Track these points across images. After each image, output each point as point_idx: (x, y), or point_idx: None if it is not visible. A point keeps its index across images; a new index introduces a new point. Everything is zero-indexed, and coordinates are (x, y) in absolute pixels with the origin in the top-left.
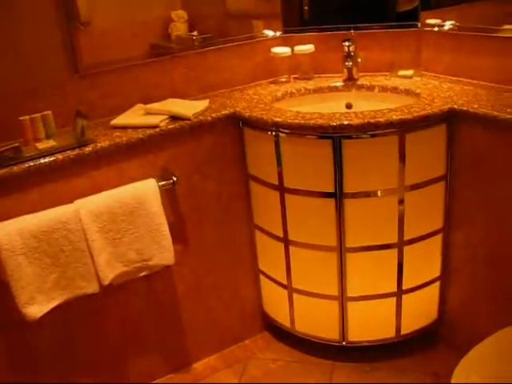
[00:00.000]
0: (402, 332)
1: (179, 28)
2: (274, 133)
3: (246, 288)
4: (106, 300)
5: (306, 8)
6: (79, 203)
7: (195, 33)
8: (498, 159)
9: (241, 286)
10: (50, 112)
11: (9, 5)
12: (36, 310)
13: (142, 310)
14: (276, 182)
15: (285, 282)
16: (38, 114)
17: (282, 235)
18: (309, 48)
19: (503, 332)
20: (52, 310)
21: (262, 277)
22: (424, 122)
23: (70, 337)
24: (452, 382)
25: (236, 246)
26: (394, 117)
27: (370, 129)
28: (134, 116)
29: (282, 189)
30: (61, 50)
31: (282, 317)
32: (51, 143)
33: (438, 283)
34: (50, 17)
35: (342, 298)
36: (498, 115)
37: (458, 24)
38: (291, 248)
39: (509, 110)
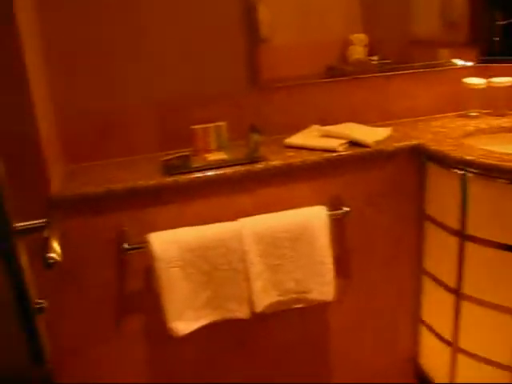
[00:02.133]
0: None
1: (358, 51)
2: (461, 172)
3: (403, 335)
4: (255, 326)
5: (497, 39)
6: (243, 222)
7: (375, 57)
8: None
9: (399, 331)
10: (224, 123)
11: (196, 15)
12: (183, 326)
13: (290, 341)
14: (456, 227)
15: (450, 338)
16: (212, 125)
17: (454, 286)
18: (506, 80)
19: None
20: (199, 328)
21: (422, 327)
22: None
23: (213, 358)
24: None
25: (400, 289)
26: None
27: None
28: (309, 137)
29: (462, 235)
30: (242, 63)
31: (439, 375)
32: (222, 156)
33: None
34: (234, 29)
35: None
36: None
37: None
38: (463, 302)
39: None
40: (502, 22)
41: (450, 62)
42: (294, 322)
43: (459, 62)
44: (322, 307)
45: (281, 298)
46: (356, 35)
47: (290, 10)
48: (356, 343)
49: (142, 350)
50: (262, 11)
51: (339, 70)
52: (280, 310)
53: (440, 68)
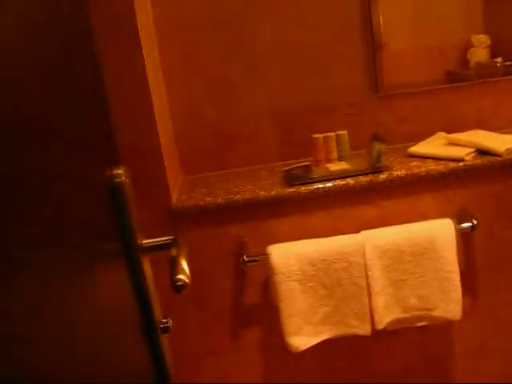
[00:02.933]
0: None
1: (480, 54)
2: None
3: None
4: (374, 342)
5: None
6: (365, 235)
7: (498, 59)
8: None
9: None
10: (345, 132)
11: (315, 23)
12: (301, 341)
13: (410, 360)
14: None
15: None
16: (333, 133)
17: None
18: None
19: None
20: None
21: None
22: None
23: (331, 373)
24: None
25: None
26: None
27: None
28: (434, 145)
29: None
30: (361, 70)
31: None
32: (343, 165)
33: None
34: (353, 36)
35: None
36: None
37: None
38: None
39: None
40: None
41: None
42: (415, 341)
43: None
44: (444, 327)
45: (403, 315)
46: (477, 36)
47: (407, 14)
48: (481, 367)
49: (259, 363)
50: (379, 16)
51: (460, 75)
52: (400, 328)
53: None
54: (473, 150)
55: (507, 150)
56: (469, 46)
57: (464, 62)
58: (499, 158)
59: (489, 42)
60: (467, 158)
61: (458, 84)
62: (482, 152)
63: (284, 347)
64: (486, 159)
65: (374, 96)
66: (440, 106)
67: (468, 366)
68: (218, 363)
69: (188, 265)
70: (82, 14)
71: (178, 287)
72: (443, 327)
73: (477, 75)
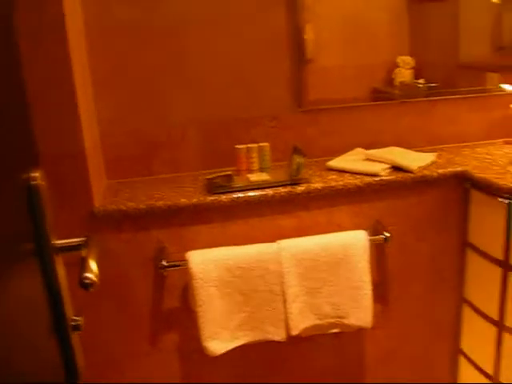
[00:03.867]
0: None
1: (404, 74)
2: (507, 201)
3: (441, 366)
4: (290, 349)
5: None
6: (282, 244)
7: (421, 80)
8: None
9: (437, 362)
10: (267, 144)
11: (242, 36)
12: (218, 346)
13: (324, 366)
14: (500, 257)
15: (490, 371)
16: (255, 145)
17: (496, 318)
18: None
19: None
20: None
21: (461, 358)
22: None
23: (247, 379)
24: None
25: (439, 318)
26: None
27: None
28: (352, 160)
29: (506, 266)
30: (287, 84)
31: None
32: (264, 176)
33: None
34: (280, 50)
35: None
36: None
37: None
38: (505, 335)
39: None
40: None
41: (499, 87)
42: (329, 347)
43: (508, 88)
44: (358, 333)
45: (317, 322)
46: (402, 57)
47: (337, 32)
48: (392, 373)
49: (177, 367)
50: (308, 32)
51: (385, 93)
52: (316, 335)
53: (488, 93)
54: (388, 166)
55: (419, 167)
56: (395, 66)
57: (389, 81)
58: (412, 175)
59: (413, 64)
60: (382, 173)
61: (379, 102)
62: (396, 168)
63: (202, 352)
64: (400, 175)
65: (297, 110)
66: (362, 122)
67: (380, 372)
68: (138, 367)
69: (97, 265)
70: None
71: (85, 285)
72: (356, 334)
73: (400, 94)
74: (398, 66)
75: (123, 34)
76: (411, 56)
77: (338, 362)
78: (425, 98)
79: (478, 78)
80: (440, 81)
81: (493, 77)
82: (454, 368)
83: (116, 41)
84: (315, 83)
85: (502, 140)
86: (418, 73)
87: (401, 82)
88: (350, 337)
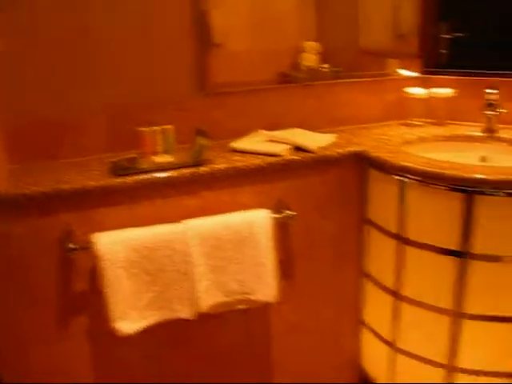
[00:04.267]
0: None
1: (310, 59)
2: (400, 178)
3: (345, 337)
4: (199, 326)
5: (443, 51)
6: (188, 224)
7: (326, 65)
8: None
9: (341, 334)
10: (171, 126)
11: (146, 18)
12: (127, 326)
13: (234, 341)
14: (395, 231)
15: (389, 338)
16: (159, 127)
17: (393, 288)
18: (447, 92)
19: None
20: (144, 328)
21: (364, 328)
22: None
23: (159, 356)
24: None
25: (342, 292)
26: None
27: (508, 187)
28: (255, 141)
29: (400, 238)
30: (190, 67)
31: (380, 376)
32: (168, 158)
33: None
34: (185, 33)
35: (451, 368)
36: None
37: None
38: (401, 304)
39: None
40: (448, 36)
41: (396, 72)
42: (237, 323)
43: (404, 73)
44: (265, 309)
45: (224, 299)
46: (308, 43)
47: (244, 16)
48: (298, 345)
49: (87, 350)
50: (214, 16)
51: (291, 77)
52: (224, 311)
53: (386, 78)
54: (289, 146)
55: (320, 148)
56: (301, 51)
57: (296, 65)
58: (312, 155)
59: (319, 49)
60: (283, 153)
61: (284, 85)
62: (298, 149)
63: (112, 333)
64: (300, 155)
65: (202, 93)
66: (266, 105)
67: (287, 345)
68: (47, 352)
69: None
70: None
71: None
72: (263, 310)
73: (306, 79)
74: (304, 51)
75: (33, 8)
76: (317, 41)
77: (246, 336)
78: (328, 81)
79: (379, 64)
80: (344, 66)
81: (392, 62)
82: (356, 338)
83: (22, 15)
84: (222, 67)
85: (398, 122)
86: (323, 58)
87: (307, 67)
88: (257, 312)
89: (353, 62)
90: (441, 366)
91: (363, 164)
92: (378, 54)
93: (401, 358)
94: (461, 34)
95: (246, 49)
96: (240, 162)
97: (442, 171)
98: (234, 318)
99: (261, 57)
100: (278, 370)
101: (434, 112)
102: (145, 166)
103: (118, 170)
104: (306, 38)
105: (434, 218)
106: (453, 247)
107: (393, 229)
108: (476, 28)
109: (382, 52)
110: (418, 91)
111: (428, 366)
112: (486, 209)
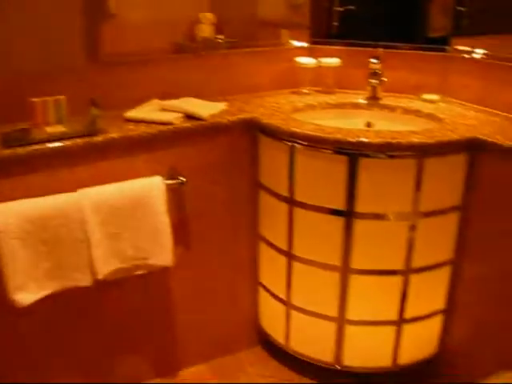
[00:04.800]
0: (399, 362)
1: (205, 30)
2: (289, 143)
3: (243, 299)
4: (100, 294)
5: (335, 24)
6: (82, 193)
7: (221, 36)
8: None
9: (239, 296)
10: (63, 97)
11: None
12: (26, 296)
13: (135, 308)
14: (286, 194)
15: (284, 297)
16: (51, 98)
17: (286, 249)
18: (334, 61)
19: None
20: (44, 298)
21: (261, 289)
22: (444, 149)
23: (60, 327)
24: None
25: (238, 255)
26: (415, 140)
27: (389, 149)
28: (148, 111)
29: (291, 201)
30: (82, 37)
31: (277, 333)
32: (61, 128)
33: (441, 316)
34: (77, 3)
35: (341, 321)
36: None
37: (490, 53)
38: (294, 263)
39: None
40: (340, 8)
41: (289, 42)
42: (137, 289)
43: (296, 43)
44: (163, 274)
45: (122, 265)
46: (204, 14)
47: None
48: (198, 308)
49: None
50: None
51: (187, 48)
52: (123, 278)
53: (278, 48)
54: (181, 115)
55: (211, 115)
56: (197, 22)
57: (192, 36)
58: (204, 123)
59: (214, 20)
60: (175, 121)
61: (178, 55)
62: (190, 117)
63: (11, 305)
64: (192, 123)
65: (95, 63)
66: (160, 75)
67: (188, 308)
68: None
69: None
70: None
71: None
72: (162, 275)
73: (202, 49)
74: (200, 22)
75: None
76: (212, 12)
77: (146, 302)
78: (222, 51)
79: (273, 34)
80: (239, 36)
81: (285, 33)
82: (254, 298)
83: None
84: (116, 37)
85: (288, 90)
86: (219, 29)
87: (203, 38)
88: (156, 278)
89: (248, 32)
90: (332, 319)
91: (254, 131)
92: (273, 25)
93: (295, 315)
94: (351, 7)
95: (141, 19)
96: (133, 131)
97: (328, 136)
98: (133, 284)
99: (156, 27)
100: (180, 333)
101: (322, 81)
102: (37, 136)
103: (10, 141)
104: (201, 9)
105: (321, 180)
106: (339, 207)
107: (284, 192)
108: (364, 1)
109: (276, 22)
110: (307, 61)
111: (321, 320)
112: (369, 171)
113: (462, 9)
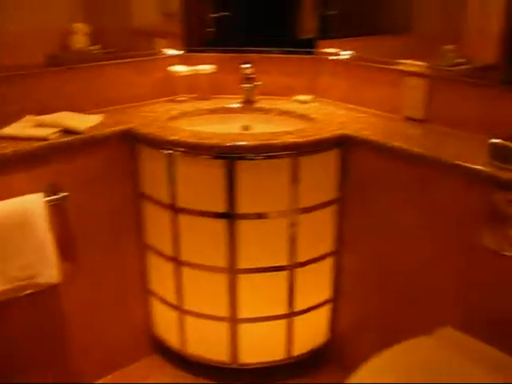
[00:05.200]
0: (294, 353)
1: (79, 41)
2: (168, 151)
3: (135, 309)
4: None
5: (209, 30)
6: None
7: (97, 47)
8: (385, 185)
9: (131, 307)
10: None
11: None
12: None
13: (26, 328)
14: (169, 202)
15: (176, 303)
16: None
17: (173, 255)
18: (208, 68)
19: (388, 352)
20: None
21: (152, 298)
22: (317, 146)
23: None
24: None
25: (126, 266)
26: (288, 140)
27: (264, 151)
28: (23, 127)
29: (174, 208)
30: None
31: (173, 339)
32: None
33: (328, 305)
34: None
35: (233, 320)
36: (386, 143)
37: (356, 54)
38: (183, 268)
39: (396, 137)
40: (214, 15)
41: (163, 51)
42: (28, 308)
43: (170, 52)
44: (52, 291)
45: (8, 286)
46: (76, 24)
47: None
48: (91, 323)
49: None
50: None
51: (61, 60)
52: (11, 299)
53: (153, 57)
54: (57, 129)
55: (88, 128)
56: (71, 32)
57: (66, 47)
58: (81, 136)
59: (87, 30)
60: (51, 137)
61: (51, 68)
62: (66, 131)
63: None
64: (69, 137)
65: None
66: (33, 89)
67: (81, 323)
68: None
69: None
70: None
71: None
72: (52, 292)
73: (75, 61)
74: (73, 33)
75: None
76: (87, 22)
77: (38, 320)
78: (96, 63)
79: (148, 43)
80: (115, 46)
81: (160, 42)
82: (147, 308)
83: None
84: None
85: (165, 99)
86: (94, 39)
87: (77, 48)
88: (46, 295)
89: (124, 42)
90: (225, 319)
91: (133, 141)
92: (148, 34)
93: (188, 319)
94: (226, 13)
95: (11, 30)
96: (8, 148)
97: (205, 141)
98: (22, 303)
99: (28, 39)
100: (75, 350)
101: (198, 88)
102: None
103: None
104: (74, 20)
105: (202, 185)
106: (222, 210)
107: (166, 200)
108: (238, 8)
109: (151, 32)
110: (181, 69)
111: (214, 322)
112: (248, 172)
113: (330, 13)
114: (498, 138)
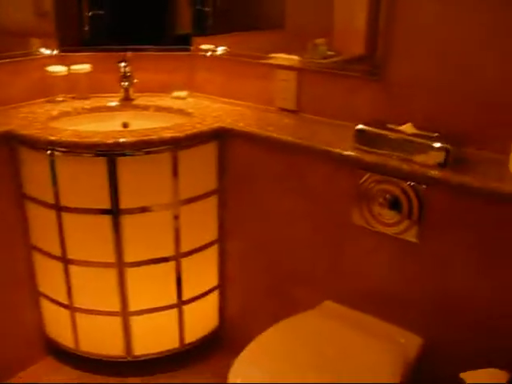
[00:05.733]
0: (187, 341)
1: None
2: (49, 152)
3: (25, 312)
4: None
5: (86, 28)
6: None
7: None
8: (262, 173)
9: (19, 310)
10: None
11: None
12: None
13: None
14: (52, 201)
15: (66, 301)
16: None
17: (60, 254)
18: (85, 67)
19: (274, 328)
20: None
21: (42, 299)
22: (195, 140)
23: None
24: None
25: (12, 269)
26: (167, 135)
27: (144, 146)
28: None
29: (58, 207)
30: None
31: (65, 338)
32: None
33: (216, 292)
34: None
35: (125, 314)
36: (260, 133)
37: (229, 50)
38: (70, 267)
39: (270, 128)
40: (89, 14)
41: (38, 51)
42: None
43: (46, 51)
44: None
45: None
46: None
47: None
48: None
49: None
50: None
51: None
52: None
53: (28, 58)
54: None
55: None
56: None
57: None
58: None
59: None
60: None
61: None
62: None
63: None
64: None
65: None
66: None
67: None
68: None
69: None
70: None
71: None
72: None
73: None
74: None
75: None
76: None
77: None
78: None
79: (23, 44)
80: None
81: (35, 42)
82: (37, 310)
83: None
84: None
85: (43, 99)
86: None
87: None
88: None
89: None
90: (116, 313)
91: (13, 143)
92: (22, 34)
93: (80, 317)
94: (100, 12)
95: None
96: None
97: (85, 140)
98: None
99: None
100: None
101: (76, 87)
102: None
103: None
104: None
105: (85, 183)
106: (106, 207)
107: (49, 200)
108: (112, 6)
109: (25, 32)
110: (58, 69)
111: (106, 317)
112: (129, 168)
113: (205, 9)
114: (362, 125)
